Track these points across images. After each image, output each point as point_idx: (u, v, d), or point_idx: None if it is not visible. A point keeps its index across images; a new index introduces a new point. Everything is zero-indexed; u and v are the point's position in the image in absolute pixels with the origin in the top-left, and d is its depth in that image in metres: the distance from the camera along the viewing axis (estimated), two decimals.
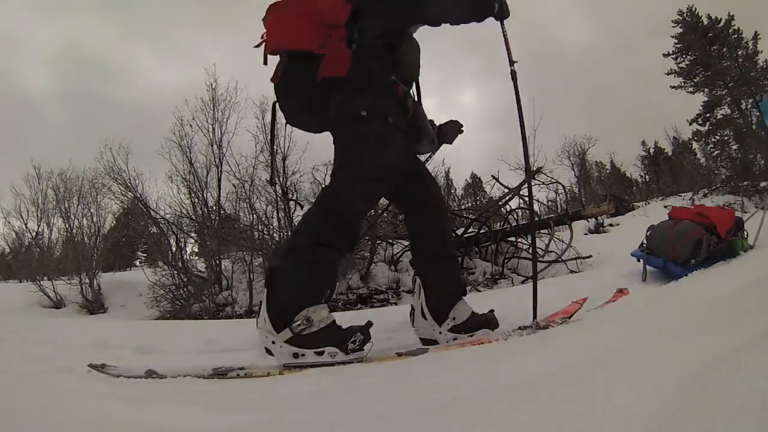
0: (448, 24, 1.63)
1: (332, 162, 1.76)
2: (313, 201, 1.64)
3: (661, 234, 2.95)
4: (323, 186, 1.67)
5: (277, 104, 1.84)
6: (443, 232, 1.82)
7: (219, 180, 8.18)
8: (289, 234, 1.30)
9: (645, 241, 3.06)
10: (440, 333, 1.71)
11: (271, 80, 1.77)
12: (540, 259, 7.34)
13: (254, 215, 7.91)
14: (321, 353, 1.48)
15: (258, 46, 1.75)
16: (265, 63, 1.76)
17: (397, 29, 1.68)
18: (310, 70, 1.62)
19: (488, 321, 1.78)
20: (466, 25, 1.62)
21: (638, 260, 3.06)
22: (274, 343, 1.48)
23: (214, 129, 8.24)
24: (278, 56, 1.78)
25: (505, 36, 1.74)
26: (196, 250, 8.89)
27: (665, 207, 14.33)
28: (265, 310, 1.49)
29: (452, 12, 1.63)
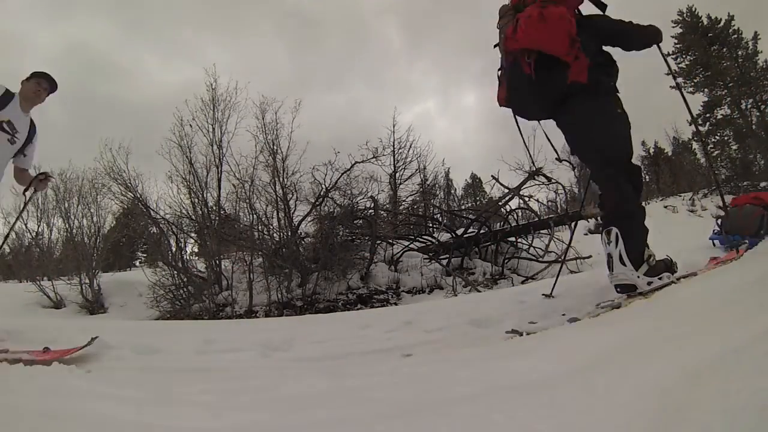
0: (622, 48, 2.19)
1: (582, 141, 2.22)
2: (605, 177, 2.12)
3: (733, 217, 3.76)
4: (604, 166, 2.13)
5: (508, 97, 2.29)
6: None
7: (219, 180, 8.19)
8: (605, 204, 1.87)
9: (718, 227, 3.91)
10: (638, 277, 1.99)
11: (512, 72, 2.18)
12: (539, 259, 7.35)
13: (254, 215, 7.92)
14: (661, 278, 1.98)
15: (497, 45, 2.26)
16: (507, 58, 2.20)
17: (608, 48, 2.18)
18: (558, 73, 2.05)
19: (669, 265, 2.12)
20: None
21: (714, 243, 3.79)
22: (638, 277, 1.97)
23: (214, 129, 8.25)
24: (503, 54, 2.24)
25: (664, 56, 2.33)
26: (196, 250, 8.90)
27: (665, 207, 14.34)
28: (625, 256, 1.98)
29: (642, 42, 2.20)
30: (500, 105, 2.37)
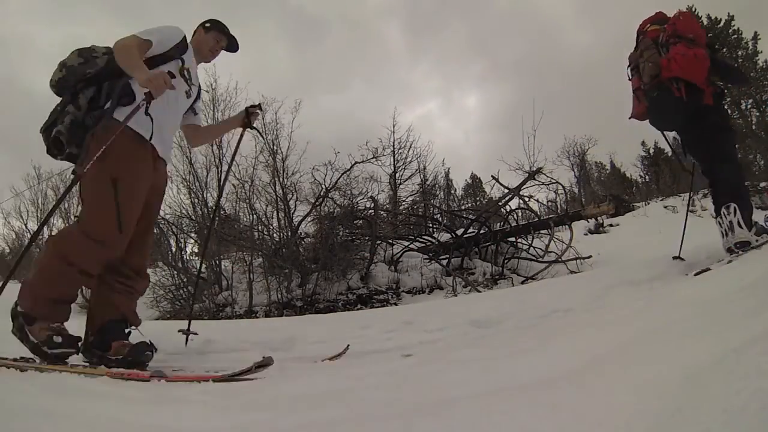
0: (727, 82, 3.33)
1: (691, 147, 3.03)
2: (718, 168, 2.84)
3: None
4: (715, 155, 2.88)
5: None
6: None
7: (219, 180, 8.19)
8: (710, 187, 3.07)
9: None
10: (751, 235, 2.59)
11: (662, 95, 2.84)
12: (539, 259, 7.34)
13: (254, 215, 7.92)
14: (762, 237, 2.61)
15: (634, 69, 3.04)
16: (652, 82, 2.90)
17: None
18: (698, 96, 2.76)
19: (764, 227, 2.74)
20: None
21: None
22: (752, 235, 2.58)
23: None
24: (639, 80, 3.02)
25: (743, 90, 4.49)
26: (196, 250, 8.89)
27: (665, 207, 14.34)
28: (742, 222, 2.58)
29: (737, 81, 3.47)
30: (636, 118, 3.11)
